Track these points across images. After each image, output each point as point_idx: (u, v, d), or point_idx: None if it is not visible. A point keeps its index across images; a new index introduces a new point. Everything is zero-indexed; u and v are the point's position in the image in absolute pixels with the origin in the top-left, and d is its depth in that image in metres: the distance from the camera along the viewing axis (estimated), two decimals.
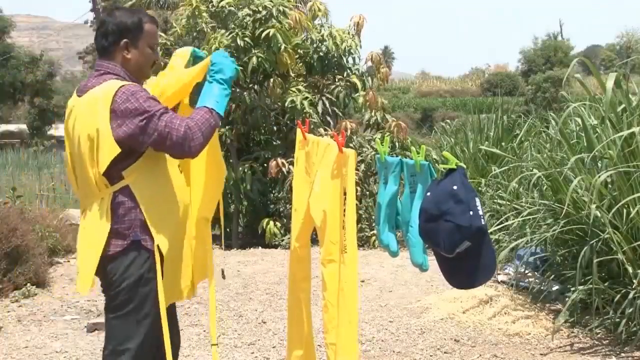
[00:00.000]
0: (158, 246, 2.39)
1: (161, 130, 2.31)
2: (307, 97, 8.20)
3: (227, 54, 2.57)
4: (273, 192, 8.26)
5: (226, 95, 2.48)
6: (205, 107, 2.42)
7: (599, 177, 4.23)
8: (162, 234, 2.41)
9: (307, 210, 2.44)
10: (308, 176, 2.52)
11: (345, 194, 2.30)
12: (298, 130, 2.66)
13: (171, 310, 2.59)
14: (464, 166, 2.25)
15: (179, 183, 2.53)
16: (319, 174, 2.41)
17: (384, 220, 2.51)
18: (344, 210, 2.30)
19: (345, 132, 8.02)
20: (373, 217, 8.94)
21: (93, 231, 2.39)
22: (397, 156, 2.61)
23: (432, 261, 2.51)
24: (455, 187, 2.14)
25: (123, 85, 2.35)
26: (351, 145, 8.13)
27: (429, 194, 2.21)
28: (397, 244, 2.56)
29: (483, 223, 2.13)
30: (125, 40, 2.44)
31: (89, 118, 2.34)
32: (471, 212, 2.11)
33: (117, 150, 2.31)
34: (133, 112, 2.30)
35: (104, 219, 2.36)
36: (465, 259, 2.17)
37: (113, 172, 2.36)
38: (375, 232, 7.96)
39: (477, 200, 2.15)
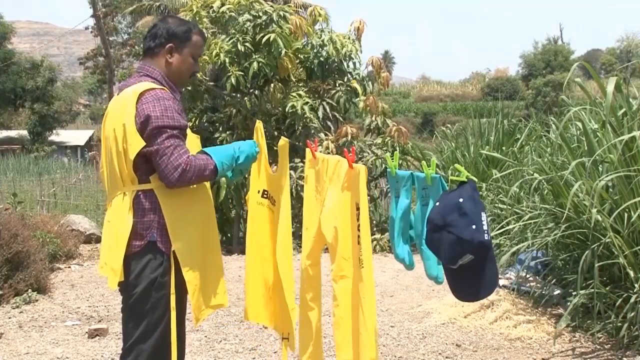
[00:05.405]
0: (174, 252, 2.42)
1: (165, 147, 2.36)
2: (307, 102, 8.21)
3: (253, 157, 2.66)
4: None
5: (229, 168, 2.55)
6: (213, 161, 2.47)
7: (600, 181, 4.23)
8: (181, 240, 2.43)
9: (319, 228, 2.44)
10: (319, 194, 2.52)
11: (358, 209, 2.29)
12: (307, 150, 2.65)
13: (180, 318, 2.58)
14: (475, 180, 2.24)
15: (205, 193, 2.57)
16: (330, 191, 2.41)
17: (398, 234, 2.52)
18: (358, 226, 2.28)
19: (349, 140, 8.02)
20: (374, 220, 8.94)
21: (117, 227, 2.43)
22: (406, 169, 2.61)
23: None
24: (461, 200, 2.14)
25: (153, 89, 2.44)
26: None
27: (437, 204, 2.22)
28: (412, 257, 2.56)
29: (486, 238, 2.12)
30: (170, 44, 2.53)
31: (119, 114, 2.43)
32: (474, 226, 2.11)
33: (142, 143, 2.37)
34: (151, 118, 2.37)
35: (128, 215, 2.41)
36: (468, 272, 2.18)
37: (142, 171, 2.42)
38: (376, 236, 8.03)
39: (484, 215, 2.14)
